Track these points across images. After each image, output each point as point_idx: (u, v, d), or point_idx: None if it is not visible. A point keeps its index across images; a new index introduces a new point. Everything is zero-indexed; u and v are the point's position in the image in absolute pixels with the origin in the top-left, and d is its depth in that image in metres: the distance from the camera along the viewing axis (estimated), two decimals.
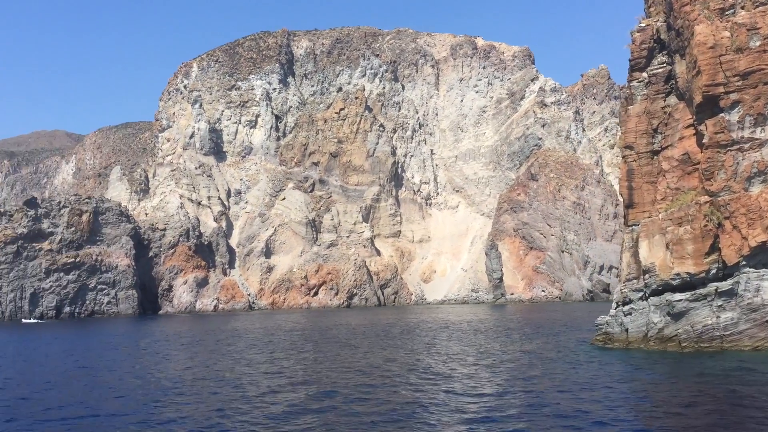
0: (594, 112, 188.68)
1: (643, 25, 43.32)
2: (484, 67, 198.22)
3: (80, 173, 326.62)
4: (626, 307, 41.36)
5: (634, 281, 41.21)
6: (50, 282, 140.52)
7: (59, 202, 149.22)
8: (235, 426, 25.18)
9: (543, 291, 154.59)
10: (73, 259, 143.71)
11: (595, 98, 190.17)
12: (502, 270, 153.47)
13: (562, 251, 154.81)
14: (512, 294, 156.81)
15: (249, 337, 68.68)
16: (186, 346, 59.76)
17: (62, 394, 34.29)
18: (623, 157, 42.75)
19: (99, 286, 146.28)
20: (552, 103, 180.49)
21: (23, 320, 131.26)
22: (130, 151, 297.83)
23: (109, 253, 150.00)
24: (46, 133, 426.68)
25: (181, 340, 68.69)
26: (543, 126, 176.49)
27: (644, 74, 42.57)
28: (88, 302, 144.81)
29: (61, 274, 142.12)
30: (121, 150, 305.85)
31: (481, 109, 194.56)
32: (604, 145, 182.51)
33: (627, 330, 41.10)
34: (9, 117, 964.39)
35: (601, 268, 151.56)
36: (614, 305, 42.88)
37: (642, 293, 40.46)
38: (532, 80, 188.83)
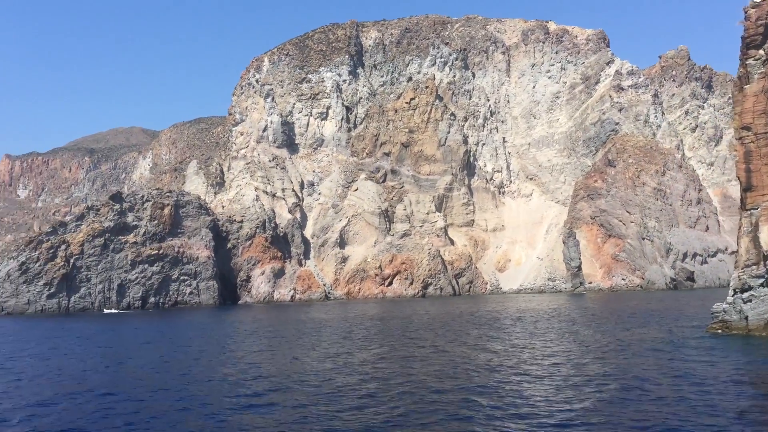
0: (673, 94, 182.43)
1: (758, 0, 41.21)
2: (556, 52, 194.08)
3: (156, 168, 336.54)
4: (745, 294, 39.64)
5: (754, 267, 39.49)
6: (135, 273, 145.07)
7: (142, 196, 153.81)
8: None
9: (623, 279, 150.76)
10: (156, 251, 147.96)
11: (674, 80, 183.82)
12: (580, 258, 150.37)
13: (643, 238, 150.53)
14: (590, 283, 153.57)
15: (340, 327, 69.21)
16: (294, 337, 60.64)
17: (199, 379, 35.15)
18: (739, 138, 40.84)
19: (181, 277, 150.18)
20: (629, 86, 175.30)
21: (104, 310, 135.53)
22: (204, 146, 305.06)
23: (189, 245, 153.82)
24: (123, 129, 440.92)
25: (286, 329, 69.75)
26: (620, 110, 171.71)
27: (761, 51, 40.55)
28: (171, 293, 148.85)
29: (146, 265, 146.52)
30: (195, 145, 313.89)
31: (554, 95, 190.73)
32: (684, 129, 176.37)
33: (747, 318, 39.42)
34: (88, 115, 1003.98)
35: (685, 255, 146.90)
36: (731, 292, 41.18)
37: (763, 279, 38.70)
38: (608, 64, 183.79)
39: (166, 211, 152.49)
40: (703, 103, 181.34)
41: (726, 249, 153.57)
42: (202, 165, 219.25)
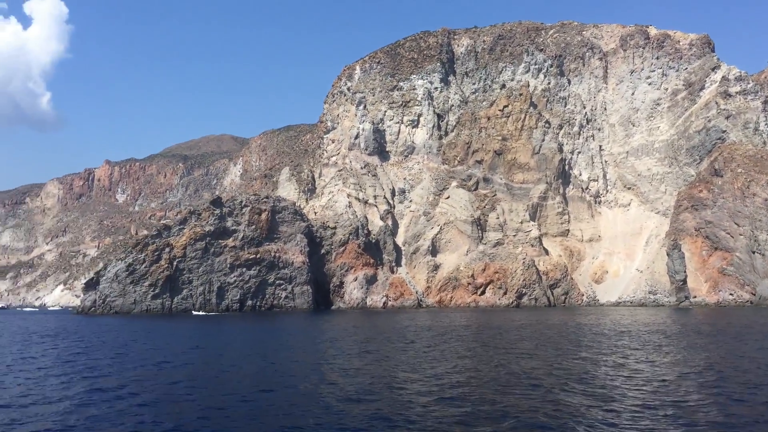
0: None
1: None
2: (657, 58, 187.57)
3: (247, 174, 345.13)
4: None
5: None
6: (234, 277, 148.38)
7: (241, 202, 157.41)
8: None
9: (731, 294, 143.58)
10: (254, 256, 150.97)
11: None
12: (686, 272, 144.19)
13: (753, 252, 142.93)
14: (695, 297, 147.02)
15: (447, 335, 68.23)
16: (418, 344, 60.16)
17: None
18: None
19: (277, 282, 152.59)
20: (737, 93, 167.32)
21: (193, 312, 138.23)
22: (293, 153, 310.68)
23: (285, 250, 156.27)
24: (214, 137, 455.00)
25: (402, 335, 69.42)
26: (727, 118, 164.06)
27: None
28: (267, 296, 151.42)
29: (244, 269, 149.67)
30: (284, 152, 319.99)
31: (654, 102, 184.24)
32: None
33: None
34: (182, 123, 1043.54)
35: None
36: None
37: None
38: (713, 69, 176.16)
39: (264, 216, 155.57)
40: None
41: None
42: (294, 172, 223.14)
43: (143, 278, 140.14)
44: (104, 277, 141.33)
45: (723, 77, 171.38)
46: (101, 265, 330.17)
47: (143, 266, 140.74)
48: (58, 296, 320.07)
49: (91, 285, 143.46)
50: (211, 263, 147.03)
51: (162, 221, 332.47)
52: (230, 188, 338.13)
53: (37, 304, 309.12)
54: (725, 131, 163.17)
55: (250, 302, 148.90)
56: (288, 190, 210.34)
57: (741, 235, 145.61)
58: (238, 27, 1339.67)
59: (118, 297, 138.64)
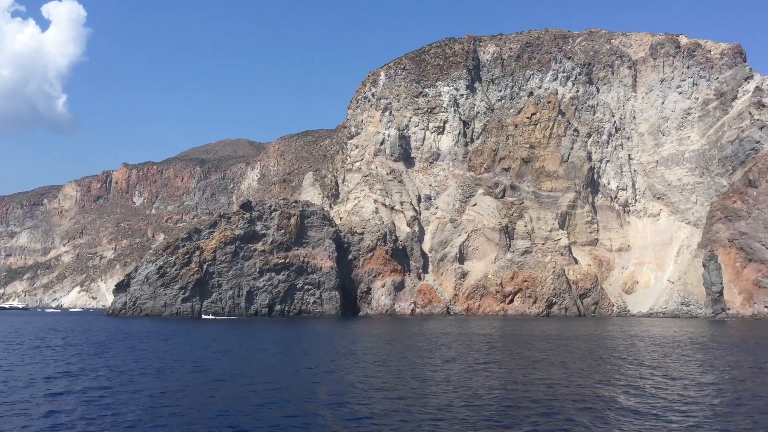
0: None
1: None
2: (688, 67, 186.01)
3: (264, 179, 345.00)
4: None
5: None
6: (263, 281, 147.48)
7: (270, 206, 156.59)
8: None
9: (766, 307, 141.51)
10: (283, 260, 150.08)
11: None
12: (722, 283, 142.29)
13: None
14: (729, 309, 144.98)
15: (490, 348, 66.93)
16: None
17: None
18: None
19: (305, 287, 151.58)
20: None
21: (203, 316, 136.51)
22: (312, 158, 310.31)
23: (313, 255, 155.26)
24: (230, 141, 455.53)
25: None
26: (761, 128, 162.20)
27: None
28: (296, 301, 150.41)
29: (273, 273, 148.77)
30: (303, 157, 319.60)
31: (684, 111, 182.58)
32: None
33: None
34: (198, 127, 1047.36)
35: None
36: None
37: None
38: (746, 79, 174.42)
39: (293, 221, 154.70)
40: None
41: None
42: (317, 176, 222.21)
43: (174, 281, 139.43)
44: (135, 279, 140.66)
45: (756, 87, 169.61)
46: (118, 266, 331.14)
47: (174, 269, 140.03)
48: (74, 298, 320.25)
49: (121, 287, 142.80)
50: (241, 267, 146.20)
51: (182, 224, 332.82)
52: (247, 192, 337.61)
53: (53, 305, 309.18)
54: (759, 142, 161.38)
55: (278, 307, 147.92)
56: (311, 195, 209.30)
57: None
58: (253, 32, 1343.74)
59: (148, 299, 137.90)
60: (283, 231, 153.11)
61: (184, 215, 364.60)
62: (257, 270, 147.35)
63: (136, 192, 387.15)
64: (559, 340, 71.64)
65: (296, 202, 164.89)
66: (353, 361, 48.75)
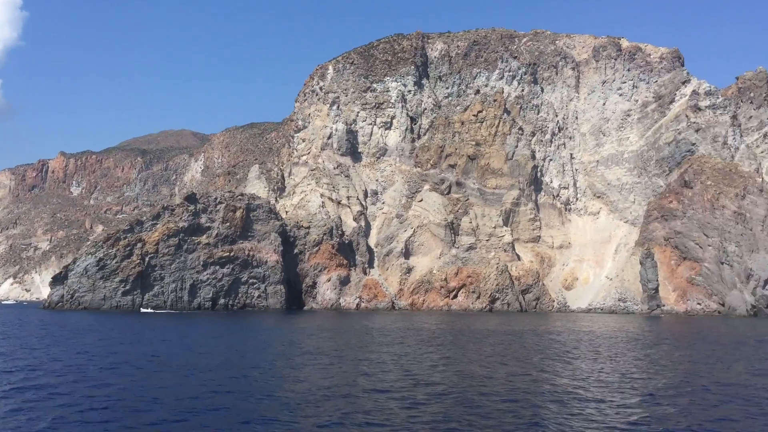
0: (751, 117, 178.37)
1: None
2: (628, 70, 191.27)
3: (208, 171, 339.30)
4: None
5: None
6: (207, 274, 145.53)
7: (215, 198, 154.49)
8: None
9: (699, 304, 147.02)
10: (227, 254, 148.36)
11: (752, 102, 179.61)
12: (658, 280, 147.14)
13: (722, 263, 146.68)
14: (664, 306, 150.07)
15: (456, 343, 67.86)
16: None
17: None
18: None
19: (250, 280, 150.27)
20: (706, 107, 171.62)
21: (141, 309, 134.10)
22: (258, 151, 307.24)
23: (259, 248, 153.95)
24: (173, 132, 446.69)
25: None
26: (697, 131, 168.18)
27: None
28: (240, 295, 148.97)
29: (217, 267, 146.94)
30: (248, 149, 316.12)
31: (624, 113, 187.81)
32: (762, 152, 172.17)
33: None
34: (140, 117, 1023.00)
35: (766, 282, 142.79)
36: None
37: None
38: (683, 83, 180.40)
39: (238, 214, 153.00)
40: None
41: None
42: (263, 169, 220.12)
43: (114, 274, 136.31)
44: (73, 272, 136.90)
45: (693, 91, 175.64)
46: (53, 258, 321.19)
47: (114, 261, 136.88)
48: (7, 290, 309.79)
49: (58, 279, 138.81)
50: (184, 260, 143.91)
51: (122, 215, 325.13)
52: (191, 184, 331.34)
53: None
54: (695, 144, 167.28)
55: (222, 301, 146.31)
56: (257, 188, 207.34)
57: (710, 246, 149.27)
58: (200, 20, 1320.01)
59: (87, 292, 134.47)
60: (228, 224, 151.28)
61: (124, 206, 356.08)
62: (201, 263, 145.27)
63: (74, 182, 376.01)
64: (511, 336, 73.08)
65: (242, 195, 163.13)
66: (299, 358, 48.72)
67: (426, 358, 47.48)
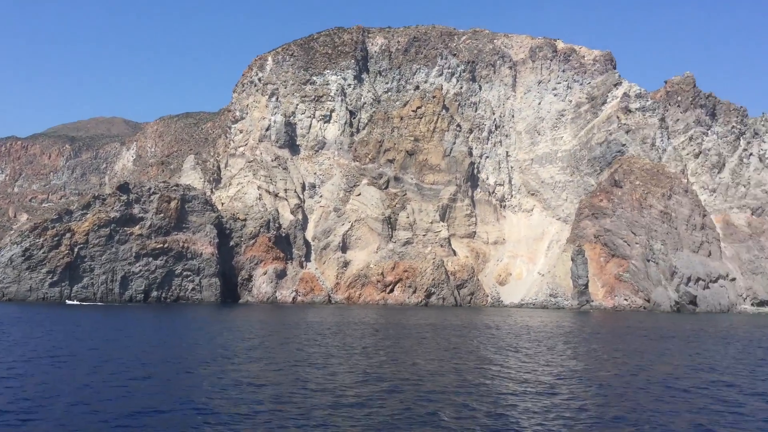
0: (678, 120, 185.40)
1: None
2: (563, 71, 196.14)
3: (141, 160, 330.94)
4: None
5: None
6: (140, 266, 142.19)
7: (149, 188, 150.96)
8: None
9: (625, 300, 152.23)
10: (161, 245, 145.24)
11: (679, 106, 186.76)
12: (588, 276, 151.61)
13: (648, 260, 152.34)
14: (592, 301, 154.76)
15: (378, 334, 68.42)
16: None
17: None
18: None
19: (184, 273, 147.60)
20: (637, 109, 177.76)
21: (67, 301, 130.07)
22: (193, 141, 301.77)
23: (194, 240, 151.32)
24: (104, 119, 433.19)
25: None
26: (627, 132, 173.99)
27: None
28: (174, 288, 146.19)
29: (150, 259, 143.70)
30: (183, 139, 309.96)
31: (559, 113, 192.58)
32: (688, 154, 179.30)
33: None
34: (69, 102, 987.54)
35: (689, 279, 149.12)
36: None
37: None
38: (615, 85, 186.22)
39: (173, 204, 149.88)
40: (707, 130, 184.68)
41: (727, 275, 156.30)
42: (199, 160, 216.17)
43: (41, 264, 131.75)
44: None
45: (624, 93, 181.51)
46: None
47: (41, 251, 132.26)
48: None
49: None
50: (116, 251, 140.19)
51: (49, 204, 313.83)
52: (122, 174, 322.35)
53: None
54: (625, 145, 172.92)
55: (155, 293, 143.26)
56: (192, 179, 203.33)
57: (637, 243, 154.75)
58: (134, 7, 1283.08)
59: (12, 283, 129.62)
60: (162, 215, 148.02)
61: (51, 195, 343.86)
62: (133, 254, 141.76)
63: None
64: (451, 330, 74.09)
65: (177, 185, 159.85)
66: (228, 353, 48.30)
67: (368, 353, 47.77)
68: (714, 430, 25.26)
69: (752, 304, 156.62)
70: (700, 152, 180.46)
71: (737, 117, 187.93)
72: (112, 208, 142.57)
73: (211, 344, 51.47)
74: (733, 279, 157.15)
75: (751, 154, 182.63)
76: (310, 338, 57.83)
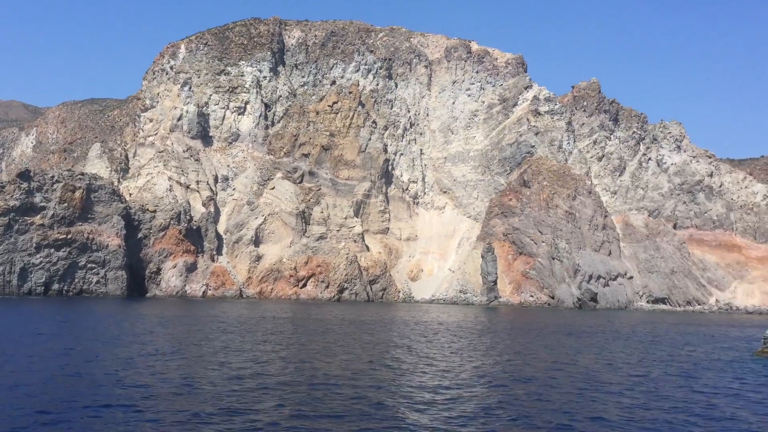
0: (583, 124, 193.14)
1: None
2: (477, 72, 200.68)
3: (41, 147, 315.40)
4: None
5: None
6: (40, 257, 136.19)
7: (53, 176, 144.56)
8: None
9: (531, 296, 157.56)
10: (64, 236, 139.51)
11: (585, 110, 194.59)
12: (497, 273, 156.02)
13: (553, 258, 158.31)
14: (500, 297, 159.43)
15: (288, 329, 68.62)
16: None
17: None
18: None
19: (89, 265, 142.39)
20: (546, 112, 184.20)
21: None
22: (98, 128, 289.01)
23: (100, 231, 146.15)
24: (1, 103, 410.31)
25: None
26: (536, 134, 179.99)
27: None
28: (77, 281, 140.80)
29: (52, 250, 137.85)
30: (88, 126, 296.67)
31: (472, 113, 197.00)
32: (592, 157, 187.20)
33: None
34: None
35: (590, 277, 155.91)
36: None
37: None
38: (526, 88, 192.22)
39: (78, 194, 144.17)
40: (610, 134, 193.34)
41: (625, 274, 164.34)
42: (106, 149, 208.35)
43: None
44: None
45: (534, 96, 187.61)
46: None
47: None
48: None
49: None
50: (15, 241, 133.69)
51: None
52: (20, 161, 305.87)
53: None
54: (534, 146, 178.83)
55: (56, 286, 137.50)
56: (98, 168, 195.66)
57: (543, 242, 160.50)
58: None
59: None
60: (66, 204, 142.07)
61: None
62: (34, 245, 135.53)
63: None
64: (367, 324, 74.81)
65: (82, 174, 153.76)
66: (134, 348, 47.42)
67: (281, 348, 47.82)
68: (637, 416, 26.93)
69: (648, 302, 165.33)
70: (603, 155, 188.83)
71: (638, 123, 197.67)
72: (11, 197, 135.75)
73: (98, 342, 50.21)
74: (631, 277, 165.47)
75: (649, 158, 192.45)
76: (213, 335, 57.28)
